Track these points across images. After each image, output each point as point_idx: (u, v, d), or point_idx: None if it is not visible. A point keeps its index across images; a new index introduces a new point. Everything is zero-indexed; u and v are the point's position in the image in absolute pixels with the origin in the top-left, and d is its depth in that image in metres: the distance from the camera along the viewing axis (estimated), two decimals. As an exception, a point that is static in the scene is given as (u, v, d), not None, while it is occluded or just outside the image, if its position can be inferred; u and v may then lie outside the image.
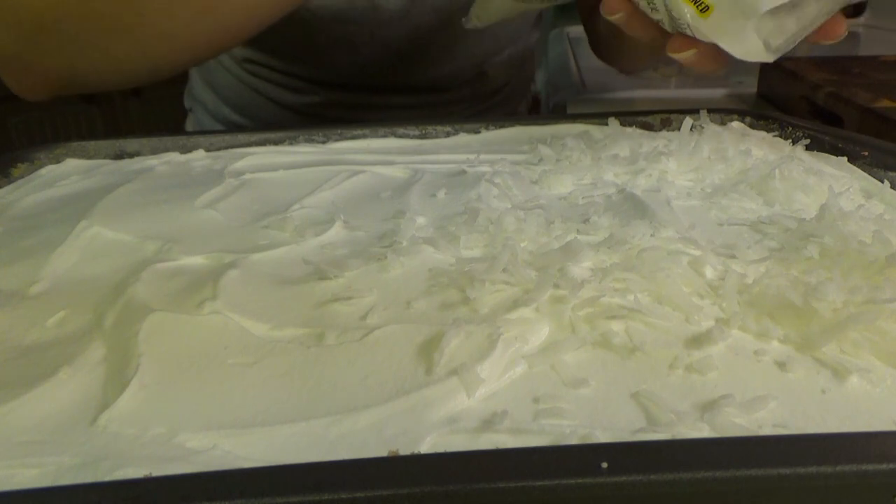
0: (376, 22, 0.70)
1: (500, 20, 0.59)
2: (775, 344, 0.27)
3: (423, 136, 0.57)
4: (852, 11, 1.56)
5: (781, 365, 0.26)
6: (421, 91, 0.79)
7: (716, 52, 0.41)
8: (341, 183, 0.47)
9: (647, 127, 0.57)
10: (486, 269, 0.31)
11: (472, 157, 0.51)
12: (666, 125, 0.56)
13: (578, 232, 0.37)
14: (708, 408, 0.24)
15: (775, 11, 0.38)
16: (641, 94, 0.95)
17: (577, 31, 1.16)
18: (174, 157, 0.55)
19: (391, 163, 0.51)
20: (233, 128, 0.83)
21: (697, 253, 0.33)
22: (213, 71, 0.85)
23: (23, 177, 0.51)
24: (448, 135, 0.57)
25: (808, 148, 0.50)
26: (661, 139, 0.51)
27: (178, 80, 0.92)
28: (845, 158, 0.46)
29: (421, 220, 0.40)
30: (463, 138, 0.57)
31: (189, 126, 0.90)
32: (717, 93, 0.95)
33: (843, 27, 0.41)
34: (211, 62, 0.84)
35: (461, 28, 0.60)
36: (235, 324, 0.29)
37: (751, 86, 0.96)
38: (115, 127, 1.95)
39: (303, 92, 0.79)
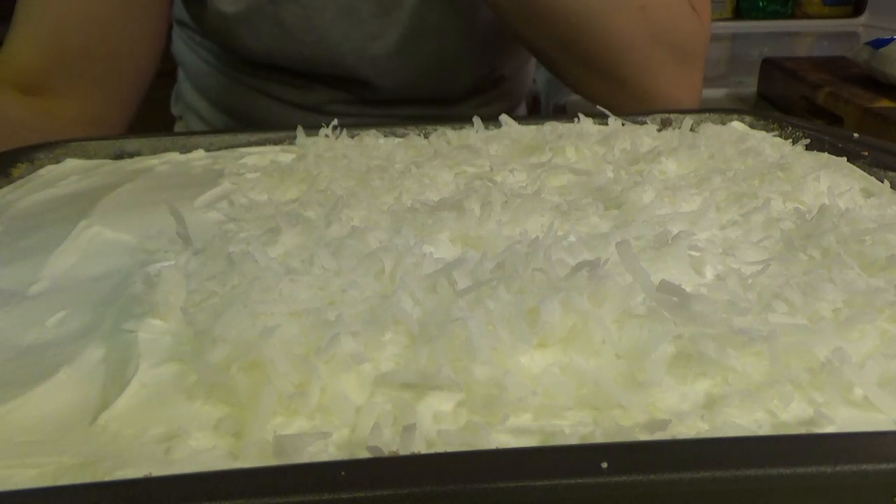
0: (371, 63, 0.75)
1: None
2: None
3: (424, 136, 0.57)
4: (852, 11, 1.56)
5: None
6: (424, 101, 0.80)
7: None
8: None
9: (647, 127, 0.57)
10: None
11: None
12: (666, 125, 0.56)
13: (576, 230, 0.37)
14: (708, 408, 0.24)
15: None
16: (641, 94, 0.95)
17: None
18: (174, 157, 0.55)
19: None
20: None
21: (697, 254, 0.33)
22: (205, 77, 0.84)
23: (23, 177, 0.51)
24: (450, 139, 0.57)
25: (808, 148, 0.50)
26: (661, 139, 0.51)
27: (176, 81, 0.92)
28: (845, 158, 0.46)
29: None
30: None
31: None
32: (717, 93, 0.95)
33: None
34: (203, 67, 0.83)
35: (458, 59, 0.63)
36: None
37: (751, 86, 0.96)
38: (114, 127, 1.94)
39: (304, 88, 0.78)
